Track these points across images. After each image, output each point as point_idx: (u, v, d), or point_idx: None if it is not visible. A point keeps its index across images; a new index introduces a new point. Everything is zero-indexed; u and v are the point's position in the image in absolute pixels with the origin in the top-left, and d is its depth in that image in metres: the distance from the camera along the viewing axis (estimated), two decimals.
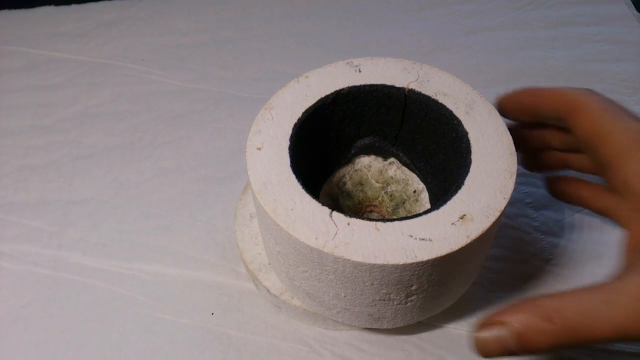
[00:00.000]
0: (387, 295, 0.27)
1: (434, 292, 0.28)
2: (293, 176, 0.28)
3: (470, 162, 0.28)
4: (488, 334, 0.25)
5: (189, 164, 0.43)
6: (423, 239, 0.25)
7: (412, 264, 0.25)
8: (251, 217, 0.37)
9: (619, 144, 0.26)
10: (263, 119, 0.30)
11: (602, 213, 0.31)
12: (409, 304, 0.28)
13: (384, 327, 0.31)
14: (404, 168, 0.35)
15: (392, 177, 0.35)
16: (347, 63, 0.32)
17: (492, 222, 0.26)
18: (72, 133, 0.46)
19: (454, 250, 0.25)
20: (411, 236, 0.25)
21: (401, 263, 0.25)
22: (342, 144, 0.35)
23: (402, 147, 0.35)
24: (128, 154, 0.44)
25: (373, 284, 0.26)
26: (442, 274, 0.26)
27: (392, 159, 0.35)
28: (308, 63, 0.48)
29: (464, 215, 0.26)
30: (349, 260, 0.25)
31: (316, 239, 0.25)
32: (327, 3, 0.55)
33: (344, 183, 0.35)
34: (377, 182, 0.35)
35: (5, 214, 0.41)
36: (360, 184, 0.35)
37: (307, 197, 0.27)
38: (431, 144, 0.33)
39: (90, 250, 0.39)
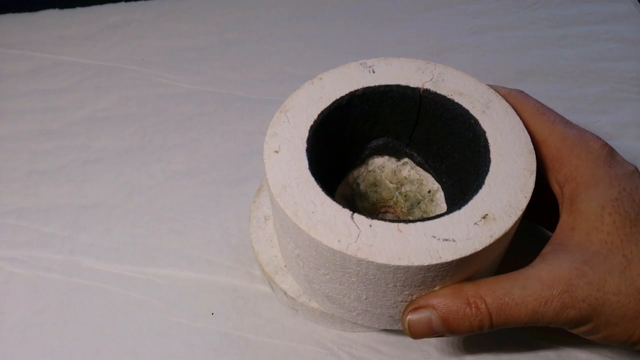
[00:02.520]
0: (410, 297, 0.27)
1: None
2: (312, 179, 0.28)
3: (489, 162, 0.28)
4: (417, 316, 0.27)
5: (200, 167, 0.43)
6: (446, 240, 0.25)
7: (437, 264, 0.25)
8: (265, 219, 0.37)
9: (556, 149, 0.28)
10: (279, 122, 0.30)
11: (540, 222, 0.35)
12: None
13: None
14: (418, 168, 0.35)
15: (406, 178, 0.35)
16: (361, 64, 0.32)
17: (514, 222, 0.26)
18: (80, 137, 0.45)
19: (478, 250, 0.25)
20: (434, 237, 0.25)
21: (426, 264, 0.25)
22: (355, 145, 0.35)
23: (416, 147, 0.34)
24: (138, 157, 0.44)
25: (396, 286, 0.26)
26: (464, 273, 0.26)
27: (406, 159, 0.35)
28: (316, 64, 0.48)
29: (486, 215, 0.26)
30: (372, 262, 0.25)
31: (339, 241, 0.25)
32: (333, 4, 0.54)
33: (358, 184, 0.35)
34: (391, 182, 0.35)
35: (16, 220, 0.40)
36: (374, 185, 0.35)
37: (328, 200, 0.27)
38: (446, 144, 0.33)
39: (103, 254, 0.39)
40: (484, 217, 0.26)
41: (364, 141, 0.35)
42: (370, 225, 0.26)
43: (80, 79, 0.49)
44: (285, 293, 0.34)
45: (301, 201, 0.27)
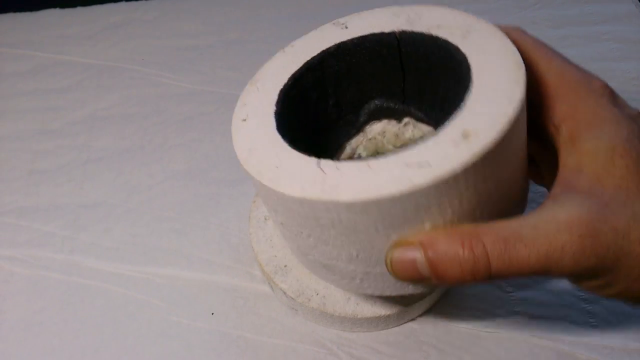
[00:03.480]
0: None
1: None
2: (278, 136, 0.25)
3: (471, 82, 0.24)
4: (400, 253, 0.23)
5: (200, 167, 0.43)
6: (421, 165, 0.22)
7: (410, 192, 0.21)
8: (265, 219, 0.37)
9: (553, 86, 0.25)
10: (248, 93, 0.28)
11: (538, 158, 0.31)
12: None
13: (420, 290, 0.27)
14: (421, 124, 0.32)
15: (410, 139, 0.32)
16: (333, 23, 0.30)
17: (500, 132, 0.22)
18: (81, 136, 0.45)
19: (457, 170, 0.21)
20: (407, 165, 0.22)
21: (397, 193, 0.21)
22: (345, 113, 0.32)
23: (411, 101, 0.32)
24: (138, 156, 0.44)
25: (378, 230, 0.23)
26: (455, 209, 0.23)
27: (407, 119, 0.32)
28: None
29: (467, 131, 0.22)
30: (338, 202, 0.22)
31: (302, 188, 0.23)
32: (333, 4, 0.54)
33: (359, 155, 0.33)
34: (395, 147, 0.33)
35: (17, 219, 0.41)
36: (377, 152, 0.33)
37: (294, 153, 0.24)
38: (437, 87, 0.30)
39: (103, 254, 0.39)
40: (464, 135, 0.22)
41: (355, 107, 0.32)
42: (338, 168, 0.23)
43: (81, 79, 0.49)
44: (284, 293, 0.34)
45: (266, 160, 0.25)
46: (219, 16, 0.54)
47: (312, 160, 0.24)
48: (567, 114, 0.25)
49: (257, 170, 0.24)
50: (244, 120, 0.27)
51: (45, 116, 0.47)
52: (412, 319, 0.35)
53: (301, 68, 0.28)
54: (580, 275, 0.23)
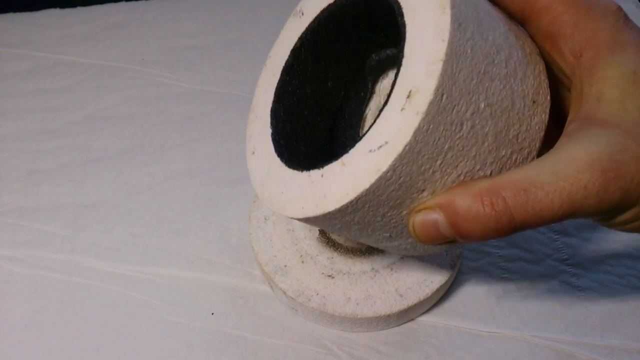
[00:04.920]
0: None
1: (452, 179, 0.23)
2: (277, 159, 0.26)
3: (404, 27, 0.22)
4: (422, 217, 0.23)
5: (201, 167, 0.43)
6: (381, 147, 0.21)
7: (381, 178, 0.21)
8: (265, 219, 0.37)
9: (567, 13, 0.24)
10: (251, 123, 0.29)
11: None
12: None
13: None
14: None
15: None
16: (293, 14, 0.30)
17: (438, 79, 0.20)
18: (81, 136, 0.45)
19: (409, 139, 0.20)
20: (371, 151, 0.22)
21: (369, 185, 0.21)
22: (351, 82, 0.31)
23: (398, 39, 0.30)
24: (139, 157, 0.44)
25: (384, 215, 0.23)
26: (442, 159, 0.22)
27: None
28: None
29: (410, 91, 0.21)
30: (329, 212, 0.22)
31: (302, 209, 0.24)
32: None
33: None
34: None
35: (17, 219, 0.41)
36: None
37: (291, 172, 0.25)
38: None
39: (104, 254, 0.39)
40: (408, 97, 0.21)
41: (357, 72, 0.31)
42: (322, 175, 0.23)
43: (80, 79, 0.49)
44: (284, 293, 0.34)
45: (274, 188, 0.26)
46: (218, 16, 0.54)
47: (304, 175, 0.24)
48: (588, 41, 0.23)
49: (270, 201, 0.25)
50: (253, 153, 0.28)
51: (45, 116, 0.47)
52: (412, 319, 0.35)
53: (281, 77, 0.29)
54: (606, 212, 0.22)
